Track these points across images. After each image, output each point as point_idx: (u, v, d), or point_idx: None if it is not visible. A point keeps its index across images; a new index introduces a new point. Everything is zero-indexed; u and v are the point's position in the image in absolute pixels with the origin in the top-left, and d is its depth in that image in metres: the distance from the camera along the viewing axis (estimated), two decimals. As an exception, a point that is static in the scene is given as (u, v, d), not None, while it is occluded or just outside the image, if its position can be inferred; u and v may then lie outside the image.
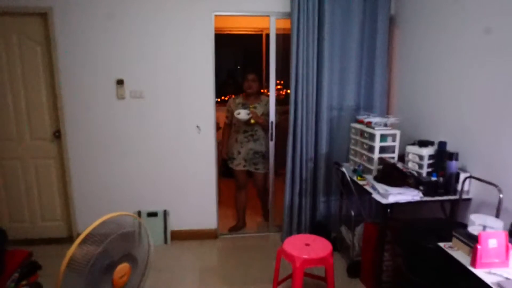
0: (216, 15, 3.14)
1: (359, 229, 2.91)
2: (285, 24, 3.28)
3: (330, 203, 3.39)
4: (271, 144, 3.43)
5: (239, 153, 3.48)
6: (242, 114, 3.29)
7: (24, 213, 3.30)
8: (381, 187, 2.38)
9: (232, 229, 3.64)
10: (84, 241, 1.60)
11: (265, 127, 3.42)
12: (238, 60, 5.64)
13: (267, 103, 3.39)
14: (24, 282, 1.87)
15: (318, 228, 3.28)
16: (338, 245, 3.18)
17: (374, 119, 2.76)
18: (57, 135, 3.18)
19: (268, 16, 3.21)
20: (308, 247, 2.33)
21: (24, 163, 3.22)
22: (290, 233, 3.32)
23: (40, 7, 2.93)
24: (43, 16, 2.97)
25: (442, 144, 2.43)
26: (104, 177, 3.28)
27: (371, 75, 3.21)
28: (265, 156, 3.48)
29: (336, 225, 3.28)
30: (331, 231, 3.30)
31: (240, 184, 3.61)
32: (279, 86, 5.60)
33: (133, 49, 3.09)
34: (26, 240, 3.27)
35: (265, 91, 4.56)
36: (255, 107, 3.37)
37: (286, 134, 3.23)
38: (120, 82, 3.12)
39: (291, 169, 3.25)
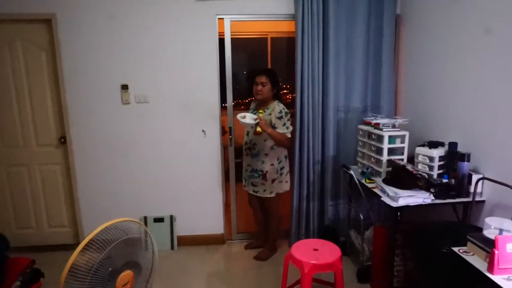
0: (219, 18, 3.12)
1: (368, 233, 2.85)
2: (289, 26, 3.24)
3: (338, 206, 3.33)
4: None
5: (242, 167, 3.10)
6: (248, 118, 2.73)
7: (30, 220, 3.30)
8: (390, 189, 2.32)
9: (248, 246, 3.34)
10: (86, 247, 1.56)
11: (276, 142, 2.81)
12: (244, 64, 5.63)
13: (272, 112, 2.80)
14: (26, 290, 1.86)
15: (326, 232, 3.21)
16: (347, 249, 3.11)
17: (382, 121, 2.70)
18: (63, 141, 3.17)
19: (222, 18, 3.12)
20: (316, 252, 2.27)
21: (30, 169, 3.22)
22: (297, 238, 3.26)
23: (44, 14, 2.94)
24: (47, 22, 2.97)
25: (453, 145, 2.37)
26: (110, 183, 3.26)
27: (377, 76, 3.15)
28: (265, 176, 2.90)
29: (345, 229, 3.21)
30: (340, 235, 3.23)
31: (250, 203, 3.18)
32: (285, 91, 5.57)
33: (137, 54, 3.08)
34: (33, 247, 3.27)
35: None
36: (262, 112, 2.79)
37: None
38: (124, 87, 3.11)
39: (298, 173, 3.19)
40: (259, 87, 2.83)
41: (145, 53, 3.09)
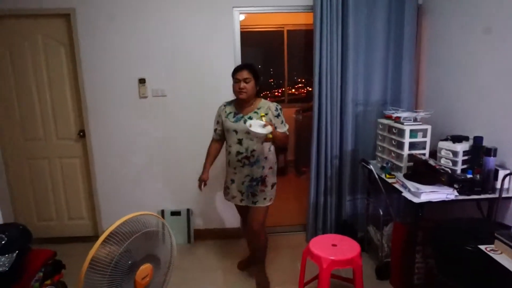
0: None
1: (387, 229, 2.80)
2: (307, 18, 3.18)
3: (356, 201, 3.27)
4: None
5: (232, 181, 2.57)
6: (255, 126, 2.20)
7: (51, 212, 3.37)
8: (412, 185, 2.26)
9: (241, 265, 2.93)
10: (106, 240, 1.57)
11: (279, 144, 2.48)
12: (261, 58, 5.59)
13: (269, 111, 2.44)
14: (48, 282, 1.89)
15: (344, 227, 3.17)
16: (366, 245, 3.07)
17: (402, 114, 2.63)
18: (82, 134, 3.21)
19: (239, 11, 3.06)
20: (335, 248, 2.24)
21: (51, 162, 3.28)
22: (315, 233, 3.23)
23: (63, 8, 2.96)
24: (66, 17, 3.00)
25: (478, 139, 2.28)
26: (127, 176, 3.29)
27: (398, 68, 3.06)
28: (265, 181, 2.51)
29: (363, 224, 3.16)
30: (358, 231, 3.19)
31: (243, 219, 2.79)
32: (300, 85, 5.50)
33: (154, 48, 3.08)
34: (54, 239, 3.34)
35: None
36: (264, 116, 2.38)
37: (309, 131, 3.14)
38: (142, 81, 3.12)
39: (316, 167, 3.15)
40: (242, 85, 2.38)
41: (162, 47, 3.09)
